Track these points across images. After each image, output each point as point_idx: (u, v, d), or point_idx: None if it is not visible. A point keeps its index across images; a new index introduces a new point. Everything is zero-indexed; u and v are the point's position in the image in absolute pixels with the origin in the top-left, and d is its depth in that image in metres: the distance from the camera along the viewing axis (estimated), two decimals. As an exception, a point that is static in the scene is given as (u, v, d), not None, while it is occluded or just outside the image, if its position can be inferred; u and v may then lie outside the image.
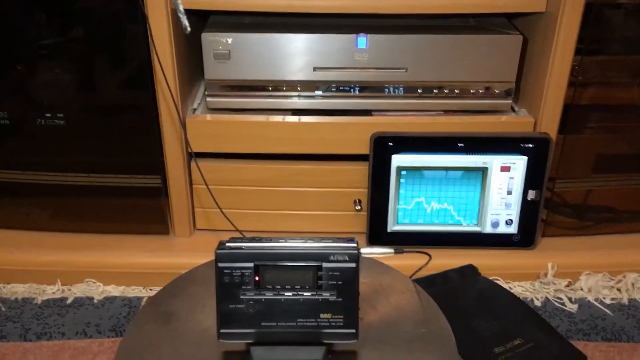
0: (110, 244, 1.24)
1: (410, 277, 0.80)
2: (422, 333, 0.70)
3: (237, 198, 1.24)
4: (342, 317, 0.65)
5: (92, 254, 1.22)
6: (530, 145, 1.17)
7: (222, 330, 0.65)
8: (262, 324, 0.65)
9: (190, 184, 1.24)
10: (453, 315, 0.77)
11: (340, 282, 0.64)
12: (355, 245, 0.65)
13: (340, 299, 0.65)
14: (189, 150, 1.19)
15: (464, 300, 0.95)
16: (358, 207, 1.24)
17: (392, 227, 1.24)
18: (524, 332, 0.88)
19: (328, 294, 0.65)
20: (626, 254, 1.24)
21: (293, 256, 0.64)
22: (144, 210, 1.25)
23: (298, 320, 0.65)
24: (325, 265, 0.64)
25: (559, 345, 0.86)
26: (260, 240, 0.67)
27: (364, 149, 1.18)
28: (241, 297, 0.64)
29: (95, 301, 1.16)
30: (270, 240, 0.67)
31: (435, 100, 1.20)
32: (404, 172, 1.20)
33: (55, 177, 1.22)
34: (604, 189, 1.27)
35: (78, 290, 1.19)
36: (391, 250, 0.66)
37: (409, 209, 1.22)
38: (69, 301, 1.16)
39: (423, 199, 1.21)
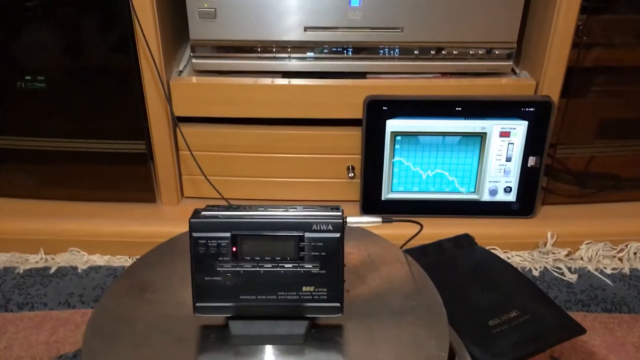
0: (96, 212, 1.20)
1: (401, 248, 0.76)
2: (412, 306, 0.67)
3: (224, 165, 1.19)
4: (325, 290, 0.61)
5: (77, 222, 1.18)
6: (531, 109, 1.12)
7: (198, 304, 0.61)
8: (241, 297, 0.61)
9: (177, 150, 1.19)
10: (446, 286, 0.73)
11: (323, 253, 0.60)
12: (339, 213, 0.61)
13: (323, 271, 0.61)
14: (174, 115, 1.13)
15: (459, 271, 0.91)
16: (351, 174, 1.19)
17: (387, 195, 1.19)
18: (520, 304, 0.84)
19: (311, 266, 0.60)
20: (629, 222, 1.20)
21: (273, 225, 0.60)
22: (130, 177, 1.21)
23: (279, 293, 0.61)
24: (307, 235, 0.60)
25: (556, 317, 0.82)
26: (238, 208, 0.62)
27: (357, 113, 1.13)
28: (218, 269, 0.60)
29: (79, 271, 1.13)
30: (249, 208, 0.62)
31: (433, 62, 1.14)
32: (398, 138, 1.15)
33: (37, 143, 1.17)
34: (607, 156, 1.22)
35: (62, 259, 1.15)
36: (379, 220, 0.62)
37: (404, 176, 1.18)
38: (52, 271, 1.13)
39: (419, 165, 1.17)
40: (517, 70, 1.19)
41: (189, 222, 0.60)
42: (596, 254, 1.18)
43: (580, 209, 1.24)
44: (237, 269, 0.61)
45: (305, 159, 1.19)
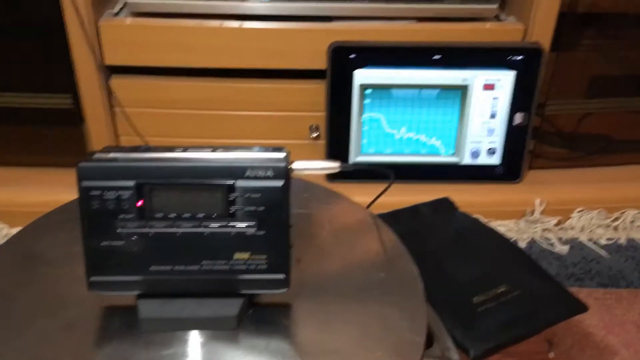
0: (19, 179, 1.03)
1: (367, 208, 0.61)
2: (381, 278, 0.52)
3: (166, 124, 1.03)
4: (265, 257, 0.46)
5: (-4, 191, 1.01)
6: (519, 58, 0.98)
7: (93, 278, 0.46)
8: (151, 268, 0.46)
9: (111, 106, 1.02)
10: (423, 257, 0.59)
11: (261, 208, 0.45)
12: (283, 155, 0.46)
13: (262, 232, 0.45)
14: (104, 63, 0.96)
15: (437, 239, 0.77)
16: (314, 135, 1.04)
17: (355, 157, 1.05)
18: (509, 277, 0.70)
19: (244, 225, 0.45)
20: (625, 187, 1.08)
21: (193, 171, 0.44)
22: (59, 138, 1.04)
23: (202, 262, 0.46)
24: (239, 183, 0.44)
25: (552, 292, 0.69)
26: (146, 149, 0.47)
27: (321, 62, 0.98)
28: (119, 230, 0.45)
29: (-5, 247, 0.96)
30: (162, 149, 0.47)
31: (407, 5, 0.99)
32: (368, 91, 1.00)
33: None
34: (600, 114, 1.09)
35: (-26, 234, 0.98)
36: (336, 165, 0.47)
37: (375, 136, 1.03)
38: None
39: (392, 124, 1.02)
40: (503, 16, 1.04)
41: (77, 167, 0.44)
42: (589, 223, 1.05)
43: (571, 174, 1.11)
44: (145, 230, 0.45)
45: (260, 117, 1.03)
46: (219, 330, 0.47)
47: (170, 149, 0.47)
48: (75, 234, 0.50)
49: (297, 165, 0.48)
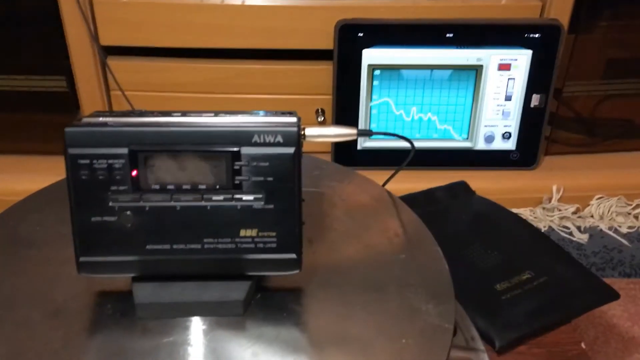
0: (11, 167, 0.98)
1: (383, 186, 0.56)
2: (402, 260, 0.47)
3: (166, 108, 0.98)
4: (274, 234, 0.41)
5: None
6: (536, 36, 0.93)
7: (82, 259, 0.41)
8: (148, 247, 0.41)
9: (107, 89, 0.97)
10: (440, 243, 0.54)
11: (270, 179, 0.40)
12: (294, 120, 0.41)
13: (271, 206, 0.41)
14: (99, 44, 0.91)
15: (455, 224, 0.73)
16: (321, 119, 0.99)
17: (363, 143, 1.00)
18: (534, 264, 0.66)
19: (251, 198, 0.40)
20: (646, 173, 1.03)
21: (194, 136, 0.39)
22: (52, 123, 0.99)
23: (205, 240, 0.41)
24: (245, 150, 0.40)
25: (581, 278, 0.64)
26: (141, 113, 0.42)
27: (327, 42, 0.93)
28: (110, 204, 0.40)
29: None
30: (157, 113, 0.42)
31: (418, -19, 0.94)
32: (377, 72, 0.95)
33: None
34: (619, 97, 1.04)
35: (-37, 224, 0.93)
36: (353, 131, 0.42)
37: (384, 120, 0.98)
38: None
39: (402, 107, 0.97)
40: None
41: (64, 132, 0.39)
42: (609, 211, 1.00)
43: (589, 159, 1.06)
44: (141, 203, 0.40)
45: (264, 101, 0.98)
46: (224, 316, 0.42)
47: (168, 113, 0.42)
48: (64, 214, 0.45)
49: (310, 131, 0.43)
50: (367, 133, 0.45)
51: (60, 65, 0.93)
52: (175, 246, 0.41)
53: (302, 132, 0.41)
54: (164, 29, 0.91)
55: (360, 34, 0.92)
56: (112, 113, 0.41)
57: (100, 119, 0.40)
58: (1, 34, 0.90)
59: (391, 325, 0.42)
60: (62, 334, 0.41)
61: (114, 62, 0.94)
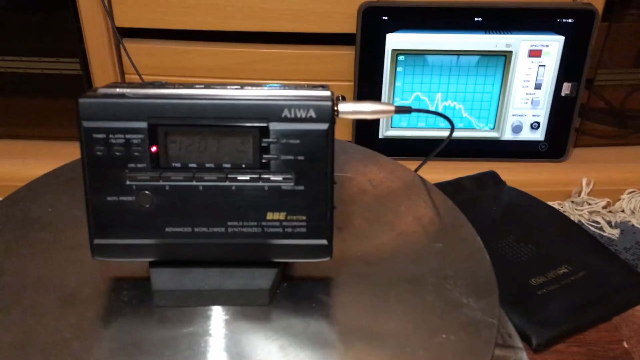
0: (24, 152, 0.96)
1: (415, 171, 0.53)
2: (439, 249, 0.44)
3: (183, 93, 0.95)
4: (304, 218, 0.38)
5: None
6: (569, 21, 0.89)
7: (97, 241, 0.38)
8: (167, 230, 0.38)
9: (122, 73, 0.94)
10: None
11: (301, 158, 0.37)
12: (328, 94, 0.38)
13: (301, 187, 0.37)
14: (115, 26, 0.88)
15: (485, 215, 0.69)
16: (341, 106, 0.95)
17: (385, 132, 0.96)
18: (571, 257, 0.62)
19: (280, 178, 0.37)
20: (681, 167, 0.98)
21: (218, 109, 0.36)
22: (65, 108, 0.96)
23: (229, 223, 0.38)
24: (274, 126, 0.36)
25: (621, 273, 0.60)
26: (161, 85, 0.39)
27: (350, 26, 0.89)
28: (128, 182, 0.37)
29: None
30: (179, 86, 0.39)
31: (445, -37, 0.90)
32: (401, 58, 0.91)
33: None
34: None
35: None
36: (391, 108, 0.38)
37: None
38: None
39: (426, 94, 0.93)
40: (549, -23, 0.95)
41: (77, 102, 0.36)
42: (641, 206, 0.96)
43: (620, 152, 1.02)
44: (160, 183, 0.37)
45: (283, 86, 0.95)
46: (248, 306, 0.39)
47: (190, 85, 0.38)
48: (79, 195, 0.42)
49: (343, 107, 0.39)
50: (406, 110, 0.41)
51: (74, 47, 0.90)
52: (196, 229, 0.38)
53: (335, 108, 0.38)
54: (182, 10, 0.88)
55: (385, 18, 0.88)
56: (130, 84, 0.38)
57: (118, 90, 0.37)
58: (12, 14, 0.88)
59: (429, 319, 0.39)
60: (73, 322, 0.38)
61: (129, 45, 0.91)
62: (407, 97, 0.93)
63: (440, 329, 0.38)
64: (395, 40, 0.90)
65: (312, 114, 0.37)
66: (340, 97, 1.01)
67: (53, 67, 0.91)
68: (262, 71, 0.93)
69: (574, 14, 0.88)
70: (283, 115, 0.37)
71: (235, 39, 0.92)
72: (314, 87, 0.39)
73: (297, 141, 0.37)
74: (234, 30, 0.91)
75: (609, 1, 0.90)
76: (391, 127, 0.96)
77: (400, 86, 0.93)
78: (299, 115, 0.37)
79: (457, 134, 0.96)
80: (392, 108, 0.40)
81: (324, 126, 0.37)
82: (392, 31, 0.89)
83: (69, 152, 0.94)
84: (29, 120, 0.97)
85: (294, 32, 0.91)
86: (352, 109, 0.39)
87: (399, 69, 0.92)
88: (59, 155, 0.95)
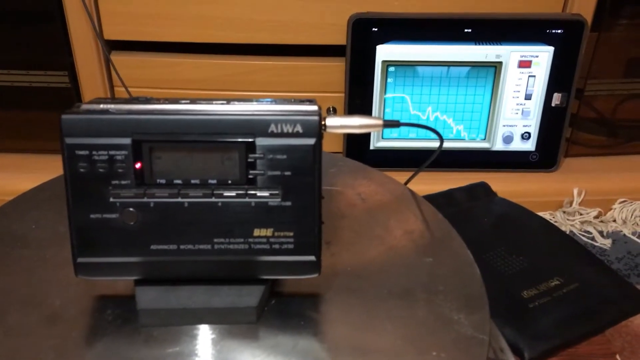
0: (12, 166, 0.95)
1: (405, 184, 0.53)
2: (429, 263, 0.43)
3: (173, 105, 0.94)
4: (292, 234, 0.37)
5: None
6: (559, 32, 0.89)
7: (80, 260, 0.37)
8: (152, 247, 0.37)
9: (111, 86, 0.94)
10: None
11: (288, 173, 0.36)
12: (314, 108, 0.37)
13: (288, 203, 0.37)
14: (103, 38, 0.88)
15: (476, 227, 0.69)
16: (332, 118, 0.95)
17: (376, 142, 0.96)
18: (563, 269, 0.62)
19: (267, 194, 0.37)
20: (671, 176, 0.99)
21: (203, 125, 0.36)
22: (54, 121, 0.95)
23: (215, 240, 0.37)
24: (261, 141, 0.36)
25: (614, 285, 0.60)
26: (146, 100, 0.38)
27: (340, 37, 0.89)
28: (111, 200, 0.36)
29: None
30: (164, 101, 0.38)
31: (434, -25, 0.90)
32: (392, 69, 0.91)
33: None
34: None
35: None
36: (379, 122, 0.38)
37: (398, 119, 0.94)
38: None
39: (417, 105, 0.93)
40: (538, -12, 0.96)
41: (60, 119, 0.36)
42: (632, 215, 0.96)
43: (611, 161, 1.02)
44: (145, 199, 0.37)
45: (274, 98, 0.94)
46: (235, 324, 0.39)
47: (175, 100, 0.38)
48: (64, 211, 0.42)
49: (331, 121, 0.39)
50: (394, 124, 0.41)
51: (62, 60, 0.89)
52: (182, 246, 0.37)
53: (323, 122, 0.37)
54: (171, 22, 0.88)
55: (375, 29, 0.89)
56: (114, 100, 0.38)
57: (101, 105, 0.37)
58: (0, 27, 0.87)
59: (419, 335, 0.38)
60: (57, 342, 0.37)
61: (117, 58, 0.91)
62: (397, 108, 0.93)
63: (431, 346, 0.37)
64: (385, 52, 0.90)
65: (299, 128, 0.36)
66: (331, 109, 1.00)
67: (42, 80, 0.90)
68: (253, 83, 0.93)
69: (563, 24, 0.89)
70: (269, 130, 0.36)
71: (225, 51, 0.92)
72: (301, 102, 0.38)
73: (284, 156, 0.37)
74: (224, 42, 0.91)
75: (598, 11, 0.91)
76: (382, 138, 0.95)
77: (392, 97, 0.93)
78: (285, 130, 0.36)
79: (448, 144, 0.96)
80: (380, 122, 0.39)
81: (311, 141, 0.36)
82: (382, 42, 0.89)
83: (57, 166, 0.94)
84: (18, 133, 0.97)
85: (284, 44, 0.91)
86: (340, 124, 0.39)
87: (389, 80, 0.92)
88: (48, 168, 0.94)
